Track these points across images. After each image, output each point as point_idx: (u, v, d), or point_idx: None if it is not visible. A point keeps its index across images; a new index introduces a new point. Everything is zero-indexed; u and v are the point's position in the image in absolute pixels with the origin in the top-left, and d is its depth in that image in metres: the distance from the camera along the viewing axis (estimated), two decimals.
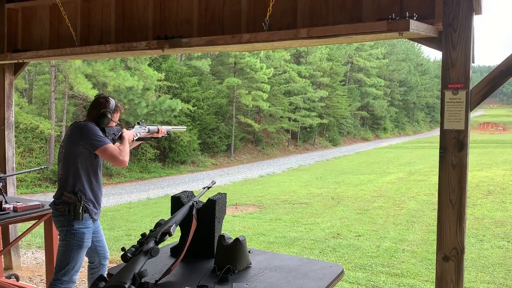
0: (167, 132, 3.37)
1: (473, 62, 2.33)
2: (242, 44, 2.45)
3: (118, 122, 3.11)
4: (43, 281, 4.24)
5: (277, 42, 2.32)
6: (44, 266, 3.65)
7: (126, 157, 2.87)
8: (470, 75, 2.31)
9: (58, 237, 2.89)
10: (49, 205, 2.98)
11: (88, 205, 2.86)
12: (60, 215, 2.82)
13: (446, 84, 2.33)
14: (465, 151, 2.30)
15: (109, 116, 2.91)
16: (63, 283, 2.83)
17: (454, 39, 2.29)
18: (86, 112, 3.03)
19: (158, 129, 3.30)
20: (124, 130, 3.06)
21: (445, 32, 2.31)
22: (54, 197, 2.91)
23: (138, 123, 3.21)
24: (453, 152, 2.31)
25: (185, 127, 3.95)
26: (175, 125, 20.40)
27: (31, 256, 5.57)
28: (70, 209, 2.78)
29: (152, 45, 2.86)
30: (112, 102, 2.97)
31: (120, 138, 3.00)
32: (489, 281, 5.15)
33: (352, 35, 2.13)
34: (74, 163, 2.83)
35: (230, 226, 8.09)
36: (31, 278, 4.56)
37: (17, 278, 4.12)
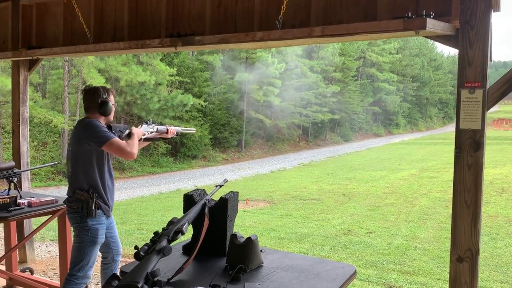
0: (176, 133, 3.31)
1: (490, 60, 2.28)
2: (255, 42, 2.44)
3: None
4: (57, 274, 4.30)
5: (291, 40, 2.30)
6: (58, 260, 3.70)
7: (134, 149, 2.84)
8: (487, 74, 2.26)
9: (72, 233, 2.92)
10: (63, 202, 3.01)
11: (101, 201, 2.88)
12: (73, 212, 2.85)
13: (462, 83, 2.29)
14: (481, 151, 2.26)
15: (109, 101, 2.89)
16: (78, 278, 2.86)
17: (471, 37, 2.24)
18: (84, 110, 3.01)
19: (167, 129, 3.24)
20: (133, 127, 3.04)
21: (462, 30, 2.27)
22: (67, 194, 2.94)
23: (146, 122, 3.15)
24: (469, 152, 2.28)
25: (195, 129, 3.87)
26: (186, 120, 20.49)
27: (45, 250, 5.65)
28: (83, 206, 2.80)
29: (165, 42, 2.86)
30: (101, 88, 2.95)
31: (129, 136, 2.96)
32: (502, 280, 5.09)
33: (367, 34, 2.10)
34: (83, 161, 2.84)
35: (240, 222, 8.11)
36: (45, 272, 4.62)
37: (32, 272, 4.19)
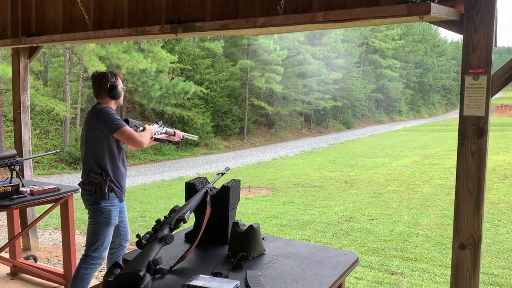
0: (182, 137, 3.43)
1: (495, 45, 2.25)
2: (257, 28, 2.41)
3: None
4: (60, 262, 4.33)
5: (293, 26, 2.27)
6: (62, 247, 3.73)
7: (143, 139, 2.96)
8: (492, 60, 2.23)
9: (88, 215, 3.02)
10: (78, 185, 3.12)
11: (113, 185, 2.97)
12: (87, 194, 2.96)
13: (466, 69, 2.26)
14: (484, 138, 2.24)
15: (117, 85, 3.02)
16: (93, 259, 2.98)
17: (476, 22, 2.20)
18: (94, 96, 3.13)
19: (175, 133, 3.36)
20: (147, 125, 3.18)
21: (466, 15, 2.23)
22: (81, 177, 3.05)
23: (157, 123, 3.27)
24: (472, 139, 2.26)
25: (197, 136, 3.98)
26: (188, 108, 20.46)
27: (48, 237, 5.69)
28: (97, 189, 2.91)
29: (165, 29, 2.82)
30: (108, 73, 3.07)
31: (143, 130, 3.10)
32: (504, 267, 5.10)
33: (370, 19, 2.06)
34: (96, 146, 2.95)
35: (243, 209, 8.13)
36: (48, 259, 4.66)
37: (35, 259, 4.21)
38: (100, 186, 2.89)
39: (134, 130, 3.01)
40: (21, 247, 4.43)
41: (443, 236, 6.33)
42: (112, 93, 2.99)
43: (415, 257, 5.41)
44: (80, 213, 7.57)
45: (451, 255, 2.43)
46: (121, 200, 3.06)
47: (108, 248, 3.07)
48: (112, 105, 3.05)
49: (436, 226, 6.94)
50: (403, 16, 2.00)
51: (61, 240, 3.77)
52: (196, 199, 1.98)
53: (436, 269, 4.98)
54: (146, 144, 2.98)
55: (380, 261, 5.23)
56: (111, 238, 3.05)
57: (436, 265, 5.12)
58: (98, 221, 2.94)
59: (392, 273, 4.82)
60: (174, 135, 3.35)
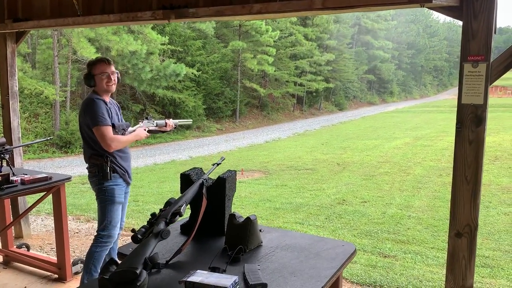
0: (174, 125, 3.48)
1: (495, 32, 2.21)
2: (252, 14, 2.34)
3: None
4: (54, 249, 4.30)
5: (289, 12, 2.20)
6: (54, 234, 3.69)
7: (113, 144, 2.98)
8: (492, 47, 2.20)
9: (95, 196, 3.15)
10: (86, 168, 3.20)
11: (115, 166, 3.06)
12: (92, 176, 3.07)
13: (465, 56, 2.22)
14: (483, 127, 2.22)
15: (89, 74, 3.04)
16: (103, 237, 3.08)
17: (476, 8, 2.16)
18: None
19: (166, 123, 3.40)
20: (138, 129, 3.25)
21: (466, 1, 2.18)
22: (85, 161, 3.15)
23: (147, 118, 3.34)
24: (470, 127, 2.24)
25: (191, 120, 4.07)
26: (179, 90, 20.26)
27: (40, 223, 5.65)
28: (99, 170, 3.01)
29: (157, 15, 2.75)
30: (89, 61, 3.14)
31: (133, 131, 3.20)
32: (494, 248, 5.17)
33: (371, 6, 2.01)
34: (91, 133, 3.01)
35: (236, 192, 8.02)
36: (41, 247, 4.62)
37: (28, 248, 4.18)
38: (102, 166, 2.99)
39: (122, 134, 3.08)
40: (13, 235, 4.38)
41: (434, 218, 6.39)
42: (86, 83, 3.09)
43: (408, 239, 5.46)
44: (71, 197, 7.53)
45: (444, 240, 2.44)
46: (126, 182, 3.15)
47: (118, 226, 3.15)
48: (100, 92, 3.07)
49: (428, 208, 7.00)
50: (404, 4, 1.95)
51: (53, 226, 3.73)
52: (191, 191, 1.95)
53: (428, 251, 5.03)
54: (114, 149, 3.00)
55: (373, 244, 5.27)
56: (119, 217, 3.14)
57: (428, 248, 5.16)
58: (103, 200, 3.04)
59: (385, 256, 4.86)
60: (166, 126, 3.40)
